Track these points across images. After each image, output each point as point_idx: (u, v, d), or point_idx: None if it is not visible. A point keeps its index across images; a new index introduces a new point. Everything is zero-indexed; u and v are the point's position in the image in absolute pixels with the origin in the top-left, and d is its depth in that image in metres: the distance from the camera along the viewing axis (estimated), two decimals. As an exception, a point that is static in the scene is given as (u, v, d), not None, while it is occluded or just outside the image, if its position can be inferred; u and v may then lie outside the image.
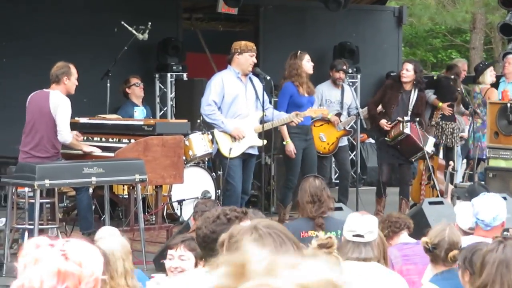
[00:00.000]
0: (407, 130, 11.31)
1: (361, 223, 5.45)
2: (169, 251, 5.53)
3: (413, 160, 11.69)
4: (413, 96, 11.48)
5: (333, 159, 12.72)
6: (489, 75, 12.97)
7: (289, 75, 10.69)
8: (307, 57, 10.76)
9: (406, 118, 11.34)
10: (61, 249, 3.00)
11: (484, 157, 12.71)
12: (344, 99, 11.98)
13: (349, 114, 11.97)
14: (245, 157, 9.96)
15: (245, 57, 9.98)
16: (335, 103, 11.92)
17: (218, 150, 9.90)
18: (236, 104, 9.91)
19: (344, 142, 12.09)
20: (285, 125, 10.48)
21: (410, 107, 11.53)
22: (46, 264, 2.95)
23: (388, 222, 6.81)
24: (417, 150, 11.40)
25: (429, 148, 11.49)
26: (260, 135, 10.01)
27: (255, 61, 10.11)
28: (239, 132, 9.81)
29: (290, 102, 10.62)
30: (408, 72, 11.48)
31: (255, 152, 10.08)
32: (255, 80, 10.15)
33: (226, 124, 9.83)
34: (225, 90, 9.81)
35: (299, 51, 10.79)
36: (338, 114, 11.86)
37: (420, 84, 11.57)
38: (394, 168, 11.74)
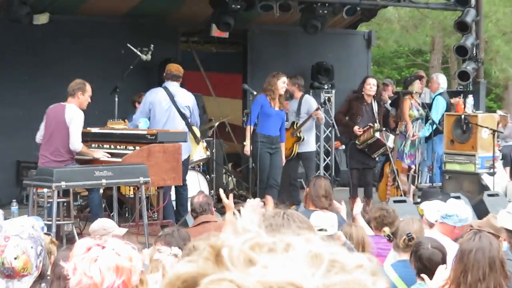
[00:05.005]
0: (377, 135, 11.56)
1: (323, 219, 5.65)
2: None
3: (376, 156, 11.96)
4: (376, 107, 11.80)
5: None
6: (417, 86, 12.84)
7: (265, 89, 10.99)
8: (283, 79, 11.02)
9: (376, 125, 11.61)
10: (112, 247, 3.02)
11: (408, 163, 12.59)
12: (301, 108, 12.07)
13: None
14: None
15: None
16: (290, 113, 11.95)
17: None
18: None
19: (309, 148, 12.06)
20: (249, 130, 10.96)
21: (377, 116, 11.77)
22: (105, 262, 2.96)
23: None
24: (380, 148, 11.67)
25: (390, 143, 11.75)
26: None
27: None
28: None
29: (261, 111, 10.90)
30: (374, 87, 11.79)
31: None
32: None
33: None
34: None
35: (279, 72, 11.07)
36: (293, 123, 11.95)
37: (379, 96, 11.94)
38: (361, 171, 11.90)
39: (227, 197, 5.82)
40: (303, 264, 1.01)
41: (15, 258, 3.45)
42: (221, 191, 6.57)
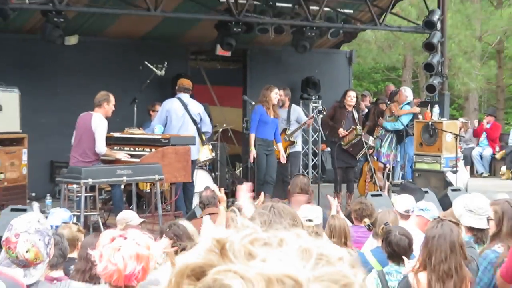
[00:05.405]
0: (360, 136, 11.66)
1: (310, 211, 5.72)
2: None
3: (359, 156, 11.97)
4: (356, 114, 11.87)
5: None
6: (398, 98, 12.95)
7: (261, 100, 11.01)
8: (275, 91, 11.06)
9: (358, 127, 11.68)
10: (133, 238, 3.02)
11: (384, 162, 12.55)
12: (291, 116, 12.12)
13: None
14: None
15: None
16: (280, 120, 11.90)
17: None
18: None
19: (296, 149, 12.16)
20: (253, 138, 10.84)
21: (357, 121, 11.83)
22: (127, 250, 2.97)
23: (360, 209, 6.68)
24: (362, 147, 11.68)
25: (371, 142, 11.87)
26: None
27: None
28: None
29: (259, 119, 10.90)
30: (354, 98, 11.86)
31: None
32: None
33: None
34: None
35: (271, 85, 11.10)
36: (284, 129, 11.96)
37: (358, 106, 12.10)
38: (344, 170, 11.92)
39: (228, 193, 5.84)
40: (295, 257, 0.98)
41: (27, 251, 3.42)
42: (215, 186, 6.62)
